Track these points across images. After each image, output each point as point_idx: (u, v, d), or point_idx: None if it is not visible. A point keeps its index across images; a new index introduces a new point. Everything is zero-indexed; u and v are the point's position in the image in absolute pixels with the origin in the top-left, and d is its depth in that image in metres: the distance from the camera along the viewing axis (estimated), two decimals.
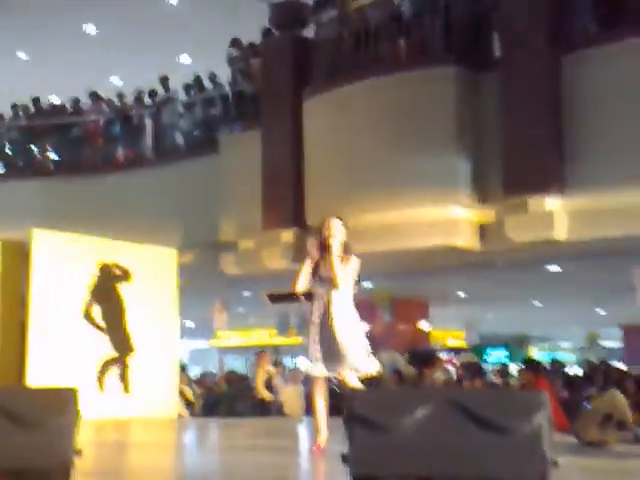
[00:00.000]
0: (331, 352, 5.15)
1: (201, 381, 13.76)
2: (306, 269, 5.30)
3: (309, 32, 11.82)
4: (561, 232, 8.99)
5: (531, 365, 10.46)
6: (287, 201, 11.19)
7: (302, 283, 5.28)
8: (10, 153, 15.26)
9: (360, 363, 5.19)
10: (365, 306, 16.79)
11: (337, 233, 5.38)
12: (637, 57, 8.44)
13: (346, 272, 5.30)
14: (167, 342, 8.95)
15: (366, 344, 5.26)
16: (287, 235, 11.28)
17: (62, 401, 3.24)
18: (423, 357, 14.67)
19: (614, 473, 4.82)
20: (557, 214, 8.94)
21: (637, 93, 8.42)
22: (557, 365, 13.70)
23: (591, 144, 8.66)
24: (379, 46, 10.39)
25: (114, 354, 8.21)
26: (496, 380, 12.00)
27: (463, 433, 2.96)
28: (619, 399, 4.51)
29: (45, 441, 3.14)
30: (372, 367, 5.26)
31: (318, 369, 5.19)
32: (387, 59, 10.29)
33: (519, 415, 2.91)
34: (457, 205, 9.59)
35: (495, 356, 23.71)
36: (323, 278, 5.29)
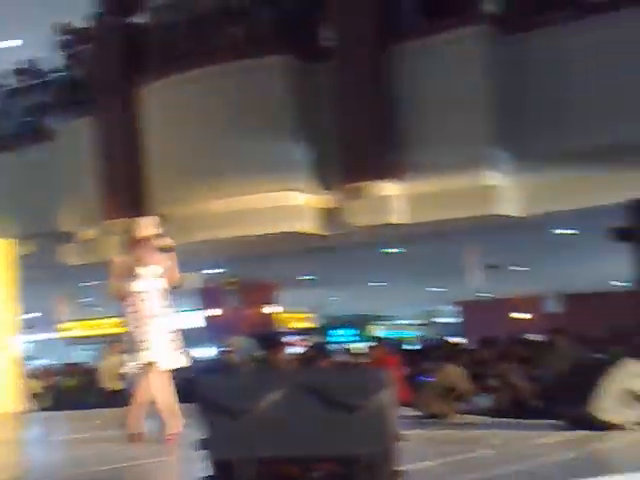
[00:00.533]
0: (157, 344, 5.30)
1: (45, 374, 13.27)
2: (123, 277, 5.40)
3: (143, 18, 11.48)
4: (399, 216, 9.26)
5: (379, 343, 10.81)
6: (126, 190, 10.86)
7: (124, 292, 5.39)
8: None
9: (176, 355, 5.41)
10: (214, 292, 16.86)
11: (155, 231, 5.53)
12: (460, 46, 8.77)
13: (168, 267, 5.48)
14: (3, 335, 8.53)
15: (180, 338, 5.48)
16: (128, 224, 10.99)
17: None
18: (272, 340, 14.77)
19: (456, 442, 5.03)
20: (394, 198, 9.18)
21: (459, 84, 8.77)
22: (399, 342, 14.20)
23: (425, 131, 8.95)
24: (212, 34, 10.28)
25: None
26: (343, 359, 12.27)
27: (314, 413, 3.00)
28: (458, 372, 4.70)
29: None
30: (184, 360, 5.51)
31: (152, 359, 5.29)
32: (221, 47, 10.19)
33: (365, 393, 2.99)
34: (299, 191, 9.66)
35: (342, 336, 24.23)
36: (145, 275, 5.41)
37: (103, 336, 20.00)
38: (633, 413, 3.84)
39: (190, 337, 19.16)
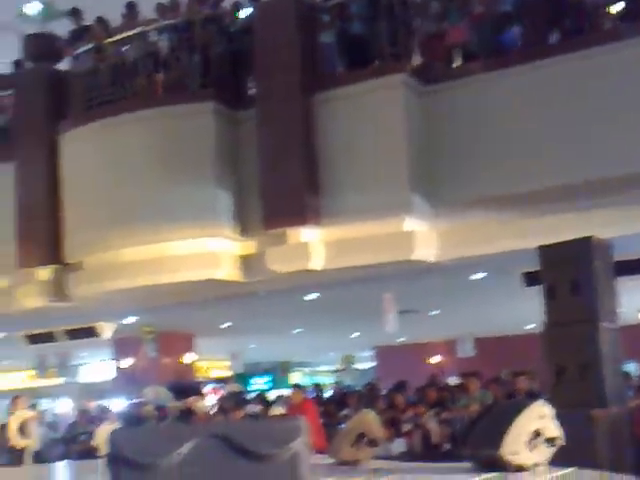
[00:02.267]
0: None
1: None
2: None
3: (65, 64, 11.44)
4: (317, 261, 9.32)
5: (297, 390, 10.77)
6: (43, 237, 10.66)
7: None
8: None
9: None
10: (129, 341, 16.51)
11: None
12: (378, 97, 8.99)
13: None
14: None
15: None
16: (44, 273, 10.76)
17: None
18: (188, 390, 14.56)
19: None
20: (313, 245, 9.27)
21: (378, 132, 8.96)
22: (317, 388, 14.16)
23: (346, 177, 9.08)
24: (136, 80, 10.27)
25: None
26: (260, 407, 12.14)
27: (227, 465, 2.96)
28: (370, 418, 4.71)
29: None
30: None
31: None
32: (145, 93, 10.20)
33: (278, 442, 2.97)
34: (219, 237, 9.64)
35: (259, 384, 24.01)
36: None
37: (10, 391, 19.29)
38: (541, 455, 3.92)
39: (101, 388, 18.79)
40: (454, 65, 9.32)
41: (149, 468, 2.94)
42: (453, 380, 13.79)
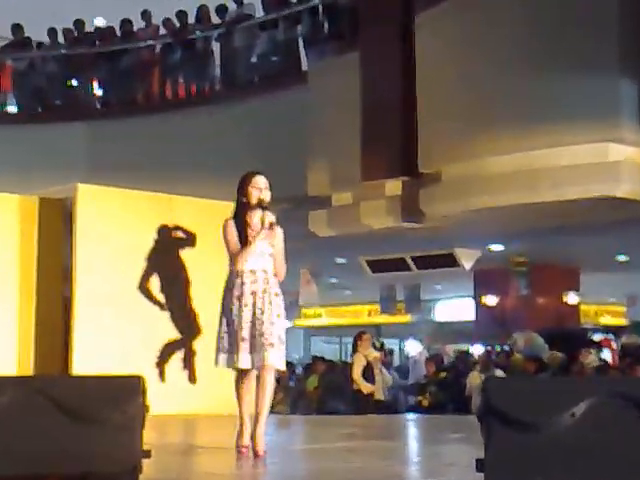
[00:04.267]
0: (255, 341, 5.24)
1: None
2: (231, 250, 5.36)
3: None
4: None
5: None
6: (394, 143, 11.15)
7: (249, 258, 5.33)
8: (47, 89, 15.45)
9: (277, 356, 5.29)
10: (496, 274, 16.85)
11: (268, 194, 5.43)
12: None
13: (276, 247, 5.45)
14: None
15: (283, 334, 5.36)
16: (394, 186, 11.28)
17: (126, 392, 3.35)
18: (570, 338, 14.52)
19: None
20: None
21: None
22: None
23: None
24: None
25: (177, 335, 8.29)
26: None
27: (637, 432, 2.94)
28: None
29: (107, 440, 3.25)
30: (283, 363, 5.40)
31: (245, 361, 5.27)
32: None
33: None
34: (619, 143, 9.39)
35: None
36: (256, 252, 5.34)
37: (352, 326, 20.72)
38: None
39: (458, 331, 19.42)
40: None
41: (532, 428, 3.02)
42: None
